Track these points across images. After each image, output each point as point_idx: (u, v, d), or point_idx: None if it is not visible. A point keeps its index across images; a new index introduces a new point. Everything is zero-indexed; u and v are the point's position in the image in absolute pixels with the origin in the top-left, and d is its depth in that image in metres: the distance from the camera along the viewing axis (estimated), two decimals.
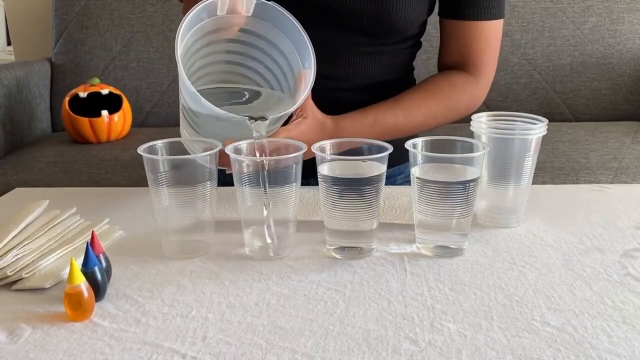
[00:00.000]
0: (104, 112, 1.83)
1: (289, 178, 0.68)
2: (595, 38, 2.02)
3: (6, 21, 2.48)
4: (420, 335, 0.54)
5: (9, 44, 2.69)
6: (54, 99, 2.10)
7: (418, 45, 1.04)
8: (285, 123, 0.83)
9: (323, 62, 0.84)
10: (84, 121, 1.81)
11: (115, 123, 1.85)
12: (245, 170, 0.68)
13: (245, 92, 0.83)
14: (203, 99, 0.69)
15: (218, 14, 0.75)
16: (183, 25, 0.71)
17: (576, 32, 2.02)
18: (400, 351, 0.52)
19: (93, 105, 1.83)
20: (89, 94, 1.84)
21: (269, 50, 0.81)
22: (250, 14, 0.77)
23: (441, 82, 0.99)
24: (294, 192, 0.69)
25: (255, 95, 0.83)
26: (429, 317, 0.57)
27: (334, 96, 0.97)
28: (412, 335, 0.54)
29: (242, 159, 0.68)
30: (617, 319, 0.57)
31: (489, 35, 0.98)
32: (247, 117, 0.71)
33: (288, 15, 0.76)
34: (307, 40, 0.77)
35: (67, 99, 1.84)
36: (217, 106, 0.70)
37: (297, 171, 0.69)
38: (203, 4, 0.72)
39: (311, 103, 0.86)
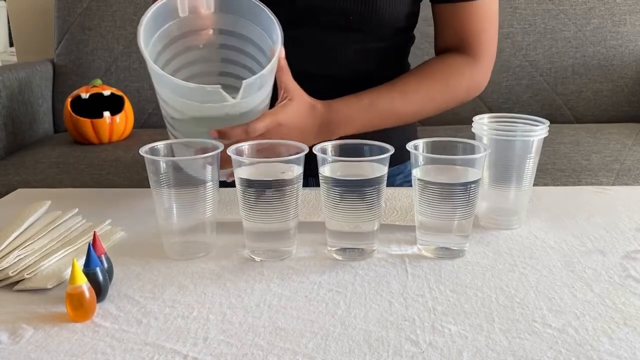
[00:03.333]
0: (106, 113, 1.83)
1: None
2: (597, 40, 2.02)
3: (9, 22, 2.49)
4: (422, 337, 0.54)
5: (11, 45, 2.70)
6: (56, 100, 2.10)
7: (411, 39, 1.02)
8: (272, 107, 0.81)
9: (316, 62, 0.83)
10: (85, 122, 1.82)
11: (117, 124, 1.86)
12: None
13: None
14: (169, 77, 0.68)
15: (180, 15, 0.73)
16: (144, 22, 0.70)
17: (578, 34, 2.02)
18: (401, 352, 0.52)
19: (95, 106, 1.83)
20: (90, 95, 1.85)
21: (242, 47, 0.79)
22: (212, 11, 0.74)
23: (438, 64, 0.95)
24: (294, 193, 0.69)
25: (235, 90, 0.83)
26: (430, 318, 0.57)
27: (329, 95, 0.96)
28: (413, 336, 0.54)
29: (244, 160, 0.68)
30: (618, 321, 0.57)
31: (484, 15, 0.94)
32: (219, 86, 0.70)
33: None
34: (271, 15, 0.74)
35: (69, 99, 1.84)
36: (195, 108, 0.69)
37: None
38: (163, 2, 0.71)
39: (295, 85, 0.82)
